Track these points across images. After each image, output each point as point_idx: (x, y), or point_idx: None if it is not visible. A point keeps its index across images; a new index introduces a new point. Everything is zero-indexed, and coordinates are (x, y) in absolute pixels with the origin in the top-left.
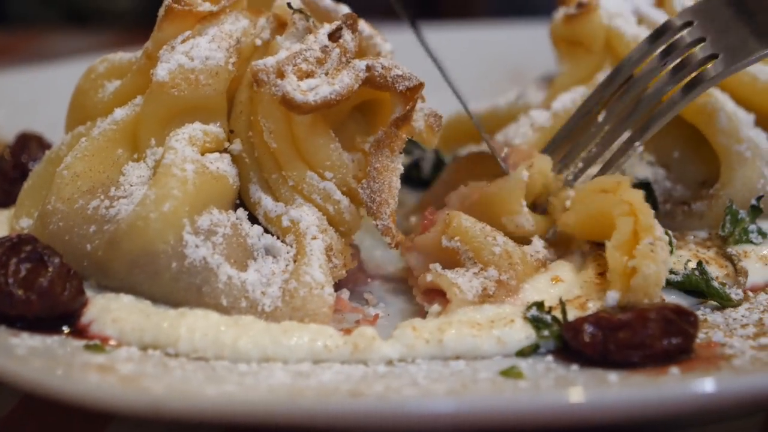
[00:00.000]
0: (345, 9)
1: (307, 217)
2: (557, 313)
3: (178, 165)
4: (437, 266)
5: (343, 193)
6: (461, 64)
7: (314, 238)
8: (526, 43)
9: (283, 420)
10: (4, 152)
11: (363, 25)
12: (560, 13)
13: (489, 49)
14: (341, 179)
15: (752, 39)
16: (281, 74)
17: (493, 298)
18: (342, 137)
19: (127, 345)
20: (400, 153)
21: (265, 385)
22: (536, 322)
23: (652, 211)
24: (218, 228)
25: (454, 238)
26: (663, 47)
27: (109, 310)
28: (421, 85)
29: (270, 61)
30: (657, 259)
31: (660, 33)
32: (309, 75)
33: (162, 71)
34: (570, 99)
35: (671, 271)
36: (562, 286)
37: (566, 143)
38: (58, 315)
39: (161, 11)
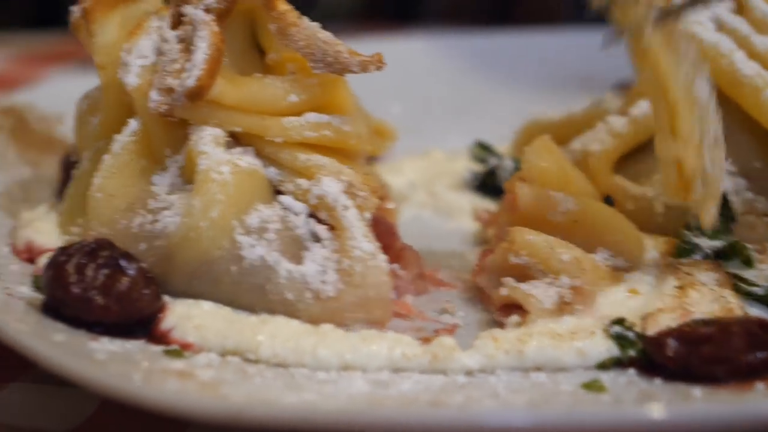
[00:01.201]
0: None
1: (331, 188)
2: (638, 328)
3: (214, 168)
4: (510, 280)
5: (315, 110)
6: (534, 70)
7: (346, 208)
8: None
9: (363, 429)
10: (70, 152)
11: None
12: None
13: (562, 56)
14: (305, 91)
15: None
16: (169, 91)
17: (570, 306)
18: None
19: (207, 351)
20: (301, 18)
21: (345, 393)
22: (619, 339)
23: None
24: (269, 224)
25: (521, 253)
26: None
27: (190, 317)
28: None
29: (153, 95)
30: (712, 192)
31: None
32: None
33: (131, 79)
34: (648, 105)
35: (753, 284)
36: (639, 299)
37: None
38: (136, 321)
39: (76, 21)
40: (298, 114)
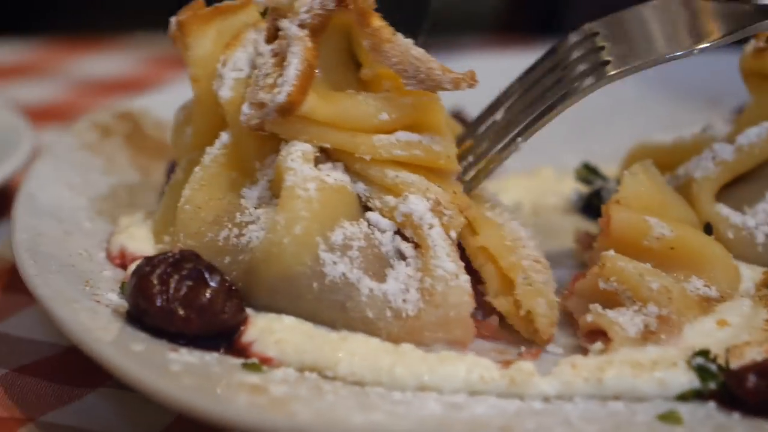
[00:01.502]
0: None
1: (418, 206)
2: (722, 361)
3: (300, 185)
4: (597, 306)
5: (407, 128)
6: (658, 89)
7: (431, 226)
8: (726, 71)
9: None
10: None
11: None
12: (750, 46)
13: (685, 76)
14: (397, 109)
15: (644, 46)
16: (261, 105)
17: (655, 335)
18: (362, 89)
19: (286, 366)
20: (395, 35)
21: (416, 415)
22: (701, 371)
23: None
24: (353, 241)
25: (611, 279)
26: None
27: (272, 331)
28: None
29: (245, 108)
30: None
31: (567, 41)
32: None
33: (225, 92)
34: (756, 133)
35: None
36: (728, 330)
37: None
38: (218, 332)
39: (173, 33)
40: (389, 132)
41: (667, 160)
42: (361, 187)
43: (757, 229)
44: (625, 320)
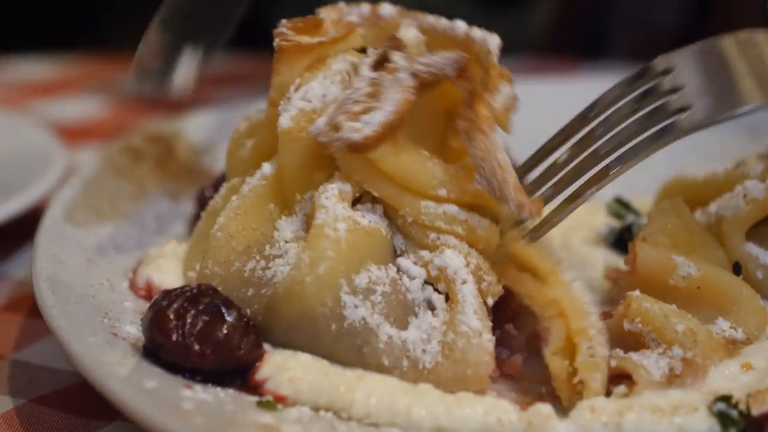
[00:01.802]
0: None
1: (453, 261)
2: (743, 407)
3: (330, 225)
4: (619, 351)
5: (467, 208)
6: None
7: (464, 282)
8: None
9: None
10: (206, 187)
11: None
12: None
13: None
14: (457, 192)
15: (731, 93)
16: (336, 128)
17: (680, 379)
18: (441, 153)
19: (301, 404)
20: (493, 130)
21: None
22: (722, 417)
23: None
24: (377, 286)
25: (636, 320)
26: (639, 90)
27: (286, 369)
28: (468, 59)
29: (321, 121)
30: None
31: (639, 76)
32: (367, 112)
33: (285, 120)
34: None
35: None
36: (753, 374)
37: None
38: (233, 369)
39: (275, 55)
40: (440, 201)
41: (700, 196)
42: (398, 240)
43: None
44: (649, 363)
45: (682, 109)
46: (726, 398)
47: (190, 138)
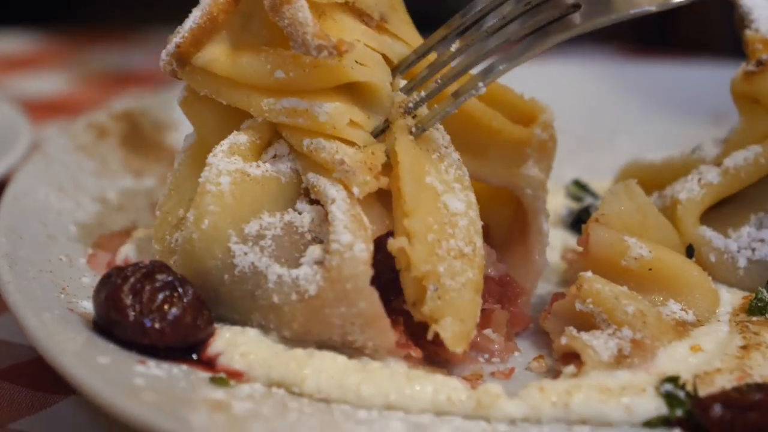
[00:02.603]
0: None
1: (321, 180)
2: (690, 388)
3: (212, 181)
4: (572, 329)
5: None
6: (661, 104)
7: (333, 201)
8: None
9: None
10: None
11: None
12: (741, 68)
13: (691, 91)
14: (290, 67)
15: None
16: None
17: (629, 359)
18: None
19: (254, 380)
20: None
21: None
22: (669, 398)
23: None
24: (267, 231)
25: (587, 300)
26: None
27: (236, 345)
28: None
29: (162, 54)
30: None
31: None
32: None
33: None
34: (743, 157)
35: None
36: (701, 356)
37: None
38: (189, 345)
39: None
40: (287, 93)
41: (657, 179)
42: (296, 163)
43: (739, 252)
44: (598, 344)
45: (574, 7)
46: (673, 379)
47: (156, 115)
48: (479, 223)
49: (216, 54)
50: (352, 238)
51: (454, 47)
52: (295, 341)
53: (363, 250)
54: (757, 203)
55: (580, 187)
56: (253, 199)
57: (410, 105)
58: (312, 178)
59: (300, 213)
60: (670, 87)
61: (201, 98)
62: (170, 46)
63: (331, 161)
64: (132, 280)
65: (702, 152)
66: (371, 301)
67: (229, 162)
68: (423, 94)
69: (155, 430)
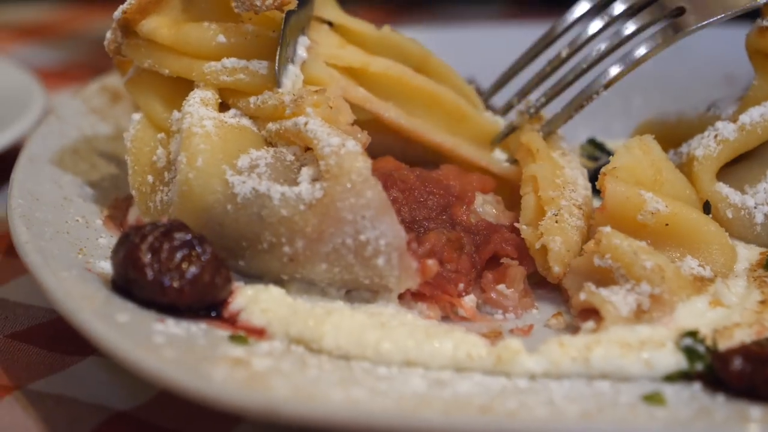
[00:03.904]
0: None
1: (289, 122)
2: (710, 342)
3: (196, 124)
4: (591, 285)
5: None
6: (675, 65)
7: (305, 123)
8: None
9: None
10: None
11: None
12: (755, 24)
13: (704, 51)
14: (234, 42)
15: None
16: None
17: (648, 314)
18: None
19: (272, 338)
20: None
21: (397, 392)
22: (689, 352)
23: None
24: (259, 161)
25: (606, 256)
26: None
27: (257, 301)
28: None
29: (108, 33)
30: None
31: None
32: None
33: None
34: (759, 113)
35: None
36: (720, 311)
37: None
38: (208, 304)
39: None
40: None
41: (673, 138)
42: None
43: (756, 209)
44: (617, 299)
45: (678, 12)
46: (693, 333)
47: None
48: (590, 196)
49: (160, 23)
50: (340, 139)
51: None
52: (316, 292)
53: (355, 145)
54: None
55: (595, 146)
56: (237, 140)
57: (531, 110)
58: (273, 126)
59: (281, 150)
60: (683, 47)
61: (146, 77)
62: (116, 13)
63: (279, 104)
64: (150, 238)
65: (718, 110)
66: (377, 189)
67: (207, 110)
68: (542, 99)
69: (176, 385)
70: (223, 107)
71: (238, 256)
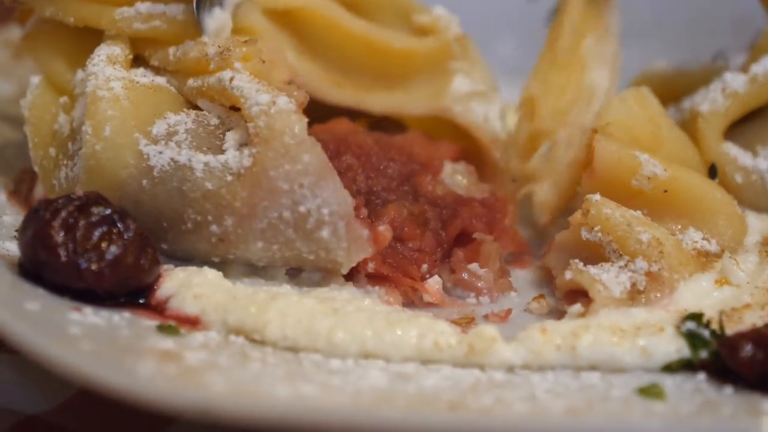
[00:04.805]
0: None
1: (213, 78)
2: (716, 326)
3: (102, 87)
4: (578, 262)
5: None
6: (675, 8)
7: (231, 79)
8: None
9: None
10: None
11: None
12: None
13: None
14: None
15: None
16: None
17: (644, 295)
18: None
19: (207, 328)
20: None
21: (352, 388)
22: (691, 338)
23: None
24: (178, 126)
25: (595, 228)
26: None
27: (190, 285)
28: None
29: None
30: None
31: None
32: None
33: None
34: None
35: None
36: (728, 290)
37: None
38: (132, 289)
39: None
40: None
41: (672, 91)
42: (170, 79)
43: None
44: (608, 278)
45: None
46: (696, 317)
47: None
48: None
49: None
50: (271, 96)
51: None
52: (257, 282)
53: (288, 102)
54: None
55: None
56: (151, 103)
57: None
58: (193, 82)
59: (204, 111)
60: None
61: (46, 30)
62: None
63: (203, 56)
64: (63, 214)
65: (725, 59)
66: (315, 151)
67: (114, 69)
68: None
69: (96, 382)
70: (139, 61)
71: (159, 239)
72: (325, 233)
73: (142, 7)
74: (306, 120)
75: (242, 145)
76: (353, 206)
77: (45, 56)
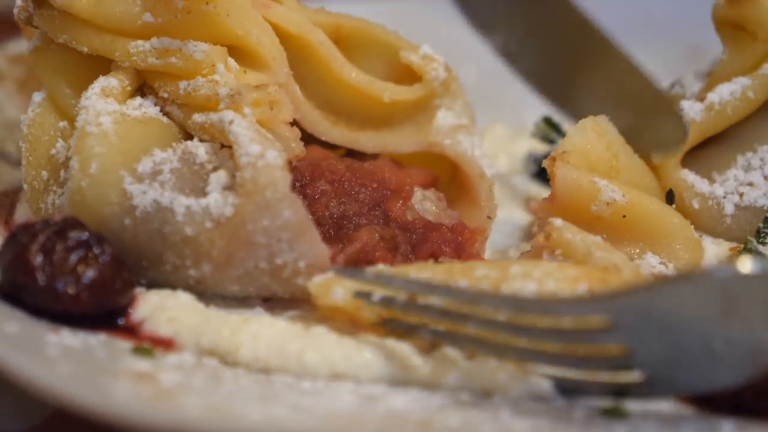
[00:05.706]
0: None
1: (215, 114)
2: None
3: (91, 122)
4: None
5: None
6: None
7: (231, 122)
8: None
9: None
10: None
11: None
12: None
13: (669, 19)
14: (163, 21)
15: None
16: None
17: None
18: None
19: (181, 350)
20: None
21: (323, 410)
22: None
23: None
24: (163, 166)
25: (556, 252)
26: None
27: (164, 309)
28: None
29: (18, 1)
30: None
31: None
32: None
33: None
34: (729, 91)
35: None
36: None
37: None
38: (107, 311)
39: None
40: (149, 36)
41: None
42: (175, 110)
43: (725, 198)
44: None
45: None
46: None
47: None
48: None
49: None
50: (261, 147)
51: None
52: (230, 303)
53: (276, 157)
54: (745, 143)
55: (551, 126)
56: (140, 138)
57: None
58: (198, 117)
59: (191, 147)
60: (642, 15)
61: (55, 48)
62: None
63: (213, 95)
64: (41, 238)
65: (682, 87)
66: (295, 207)
67: (106, 103)
68: None
69: (72, 403)
70: (144, 89)
71: (139, 275)
72: (300, 281)
73: (157, 42)
74: (290, 176)
75: (226, 188)
76: (330, 255)
77: (50, 75)
